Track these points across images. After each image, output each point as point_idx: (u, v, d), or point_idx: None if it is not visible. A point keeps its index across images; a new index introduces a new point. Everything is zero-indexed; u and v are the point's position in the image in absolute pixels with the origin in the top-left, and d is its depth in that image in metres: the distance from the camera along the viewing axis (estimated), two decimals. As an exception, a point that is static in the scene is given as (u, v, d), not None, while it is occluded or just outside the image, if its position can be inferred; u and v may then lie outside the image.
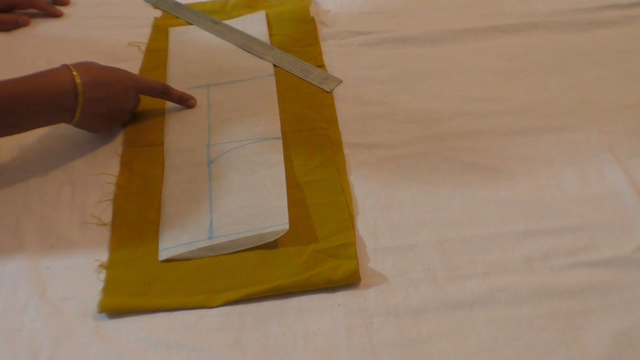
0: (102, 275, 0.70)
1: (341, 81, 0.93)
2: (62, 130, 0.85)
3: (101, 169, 0.81)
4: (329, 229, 0.73)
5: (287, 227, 0.72)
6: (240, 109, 0.88)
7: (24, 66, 0.95)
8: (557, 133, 0.84)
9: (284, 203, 0.75)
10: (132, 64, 0.97)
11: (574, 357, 0.62)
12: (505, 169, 0.80)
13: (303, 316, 0.66)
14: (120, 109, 0.83)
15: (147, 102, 0.90)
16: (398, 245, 0.72)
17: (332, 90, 0.92)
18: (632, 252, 0.70)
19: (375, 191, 0.78)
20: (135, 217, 0.76)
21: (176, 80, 0.94)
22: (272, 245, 0.72)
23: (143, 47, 1.00)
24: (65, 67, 0.77)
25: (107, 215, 0.76)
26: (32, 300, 0.68)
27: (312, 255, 0.70)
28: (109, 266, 0.71)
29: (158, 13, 1.08)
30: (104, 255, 0.72)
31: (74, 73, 0.76)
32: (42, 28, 1.05)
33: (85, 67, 0.78)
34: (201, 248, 0.72)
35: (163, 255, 0.72)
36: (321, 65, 0.96)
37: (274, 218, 0.74)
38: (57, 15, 1.06)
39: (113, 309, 0.67)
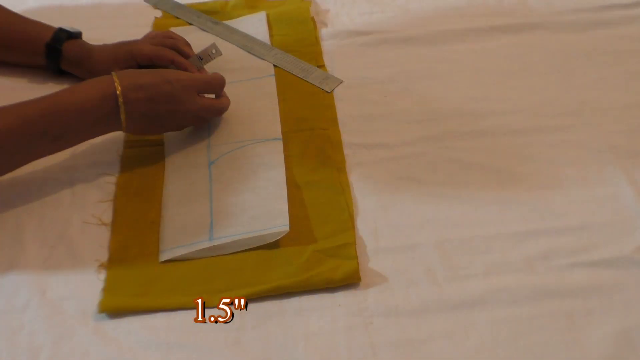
0: (102, 275, 0.70)
1: (341, 81, 0.93)
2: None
3: (101, 169, 0.81)
4: (329, 229, 0.73)
5: (287, 229, 0.72)
6: (241, 109, 0.88)
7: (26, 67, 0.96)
8: (557, 133, 0.84)
9: (284, 205, 0.75)
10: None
11: (574, 357, 0.62)
12: (506, 169, 0.80)
13: (303, 316, 0.66)
14: (178, 110, 0.79)
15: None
16: (398, 245, 0.72)
17: (333, 90, 0.92)
18: (632, 252, 0.70)
19: (375, 191, 0.78)
20: (135, 217, 0.76)
21: (176, 80, 0.94)
22: (272, 245, 0.72)
23: (143, 47, 1.00)
24: (107, 76, 0.76)
25: (107, 215, 0.76)
26: (32, 300, 0.68)
27: (312, 256, 0.70)
28: (109, 266, 0.71)
29: (158, 13, 1.08)
30: (104, 255, 0.72)
31: (115, 79, 0.75)
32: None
33: (126, 73, 0.77)
34: (201, 249, 0.72)
35: (163, 256, 0.72)
36: (321, 66, 0.96)
37: (275, 220, 0.74)
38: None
39: (113, 309, 0.67)
